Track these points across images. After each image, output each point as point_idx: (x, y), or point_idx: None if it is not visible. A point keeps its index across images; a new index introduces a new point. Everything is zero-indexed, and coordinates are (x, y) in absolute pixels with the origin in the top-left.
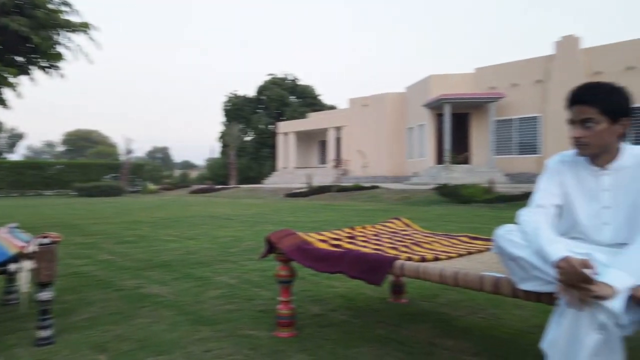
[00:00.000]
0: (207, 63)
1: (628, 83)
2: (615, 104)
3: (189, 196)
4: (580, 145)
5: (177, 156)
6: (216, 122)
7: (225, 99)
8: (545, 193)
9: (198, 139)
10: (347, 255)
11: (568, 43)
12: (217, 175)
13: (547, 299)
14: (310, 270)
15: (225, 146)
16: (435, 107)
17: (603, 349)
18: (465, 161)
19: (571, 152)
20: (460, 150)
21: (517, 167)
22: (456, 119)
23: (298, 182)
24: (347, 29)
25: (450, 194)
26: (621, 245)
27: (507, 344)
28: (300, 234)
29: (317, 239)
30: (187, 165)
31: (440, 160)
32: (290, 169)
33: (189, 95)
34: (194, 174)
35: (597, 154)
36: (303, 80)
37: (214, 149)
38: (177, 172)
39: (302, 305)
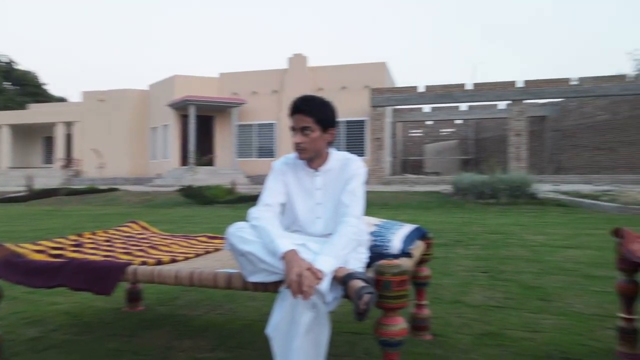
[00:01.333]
0: None
1: (341, 100)
2: (327, 115)
3: None
4: (300, 149)
5: None
6: None
7: None
8: (272, 192)
9: None
10: (68, 265)
11: (298, 60)
12: None
13: (273, 288)
14: (26, 287)
15: None
16: (180, 107)
17: (314, 325)
18: (210, 163)
19: (293, 155)
20: (204, 152)
21: (257, 169)
22: (201, 121)
23: (14, 185)
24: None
25: (194, 195)
26: (330, 235)
27: (241, 334)
28: (9, 245)
29: (31, 250)
30: None
31: (184, 161)
32: (4, 169)
33: None
34: None
35: (312, 158)
36: (24, 66)
37: None
38: None
39: (13, 331)
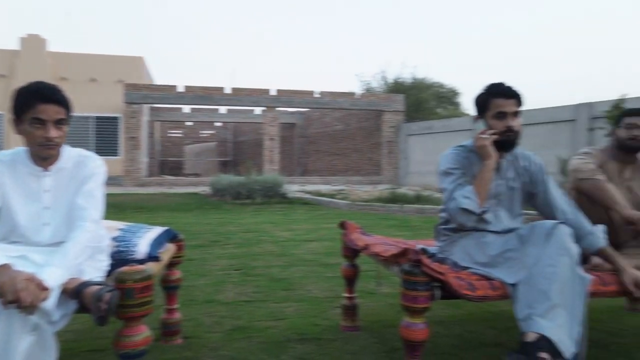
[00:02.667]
0: None
1: (90, 93)
2: (71, 107)
3: None
4: (52, 146)
5: None
6: None
7: None
8: None
9: None
10: None
11: (34, 42)
12: None
13: None
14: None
15: None
16: None
17: (36, 349)
18: None
19: (10, 152)
20: None
21: None
22: None
23: None
24: None
25: None
26: (61, 244)
27: None
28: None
29: None
30: None
31: None
32: None
33: None
34: None
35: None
36: None
37: None
38: None
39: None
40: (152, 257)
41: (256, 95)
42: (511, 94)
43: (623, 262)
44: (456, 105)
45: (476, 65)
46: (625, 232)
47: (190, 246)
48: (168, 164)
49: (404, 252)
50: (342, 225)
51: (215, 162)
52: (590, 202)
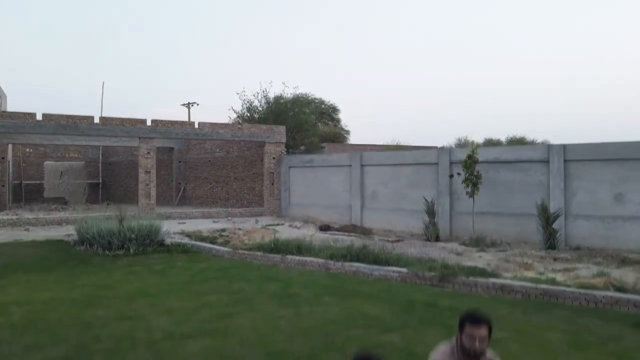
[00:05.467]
0: None
1: None
2: None
3: None
4: None
5: None
6: None
7: None
8: None
9: None
10: None
11: None
12: None
13: None
14: None
15: None
16: None
17: None
18: None
19: None
20: None
21: None
22: None
23: None
24: None
25: None
26: None
27: None
28: None
29: None
30: None
31: None
32: None
33: None
34: None
35: None
36: None
37: None
38: None
39: None
40: None
41: (130, 126)
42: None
43: None
44: (336, 121)
45: (355, 83)
46: None
47: None
48: (26, 188)
49: None
50: None
51: (83, 184)
52: None
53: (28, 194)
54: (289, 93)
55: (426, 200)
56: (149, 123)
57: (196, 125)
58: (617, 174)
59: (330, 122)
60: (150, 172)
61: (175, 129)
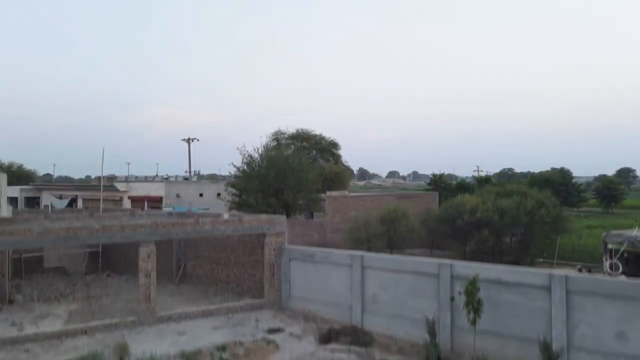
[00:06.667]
0: None
1: None
2: None
3: None
4: None
5: None
6: None
7: None
8: None
9: None
10: None
11: None
12: None
13: None
14: None
15: None
16: None
17: None
18: None
19: None
20: None
21: None
22: None
23: None
24: None
25: None
26: None
27: None
28: None
29: None
30: None
31: None
32: None
33: None
34: None
35: None
36: None
37: None
38: None
39: None
40: None
41: (130, 231)
42: None
43: None
44: (336, 157)
45: (352, 121)
46: None
47: None
48: (26, 260)
49: None
50: None
51: (83, 252)
52: None
53: (28, 265)
54: (290, 127)
55: (427, 319)
56: (147, 225)
57: (198, 223)
58: (620, 311)
59: (331, 158)
60: (150, 275)
61: (175, 230)
